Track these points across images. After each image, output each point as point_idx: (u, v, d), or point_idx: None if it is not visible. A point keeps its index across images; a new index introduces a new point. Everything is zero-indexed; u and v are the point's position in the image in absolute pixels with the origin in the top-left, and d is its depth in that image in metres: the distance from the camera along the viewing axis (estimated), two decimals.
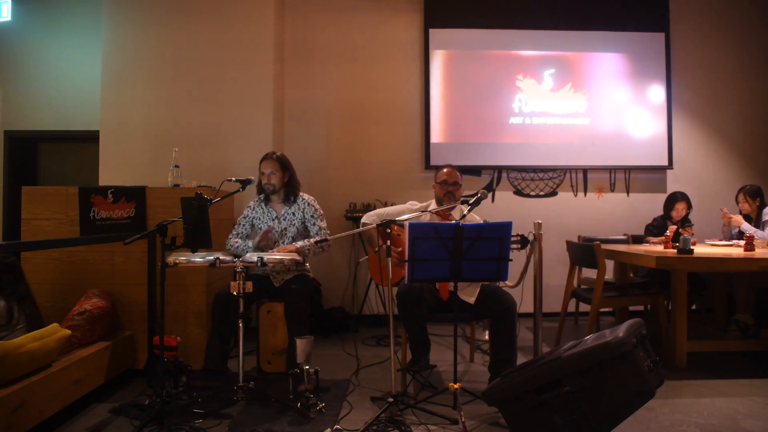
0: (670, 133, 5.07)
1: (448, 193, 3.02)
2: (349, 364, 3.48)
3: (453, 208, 3.05)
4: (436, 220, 3.02)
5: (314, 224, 3.22)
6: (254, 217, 3.28)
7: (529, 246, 2.83)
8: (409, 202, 3.20)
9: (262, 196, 3.27)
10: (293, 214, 3.23)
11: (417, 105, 5.00)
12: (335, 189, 4.90)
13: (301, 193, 3.28)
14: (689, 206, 4.27)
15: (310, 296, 3.19)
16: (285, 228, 3.22)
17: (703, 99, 5.20)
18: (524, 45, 5.02)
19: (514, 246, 2.63)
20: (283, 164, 3.21)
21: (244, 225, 3.28)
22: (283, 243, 3.20)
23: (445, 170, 3.08)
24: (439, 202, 3.09)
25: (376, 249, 2.54)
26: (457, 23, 4.98)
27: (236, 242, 3.21)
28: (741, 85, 5.22)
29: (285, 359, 3.11)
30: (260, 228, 3.25)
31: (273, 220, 3.23)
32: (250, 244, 3.15)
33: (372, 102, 4.98)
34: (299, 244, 3.11)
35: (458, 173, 3.09)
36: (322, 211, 3.29)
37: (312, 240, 3.12)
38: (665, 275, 3.71)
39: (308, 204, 3.24)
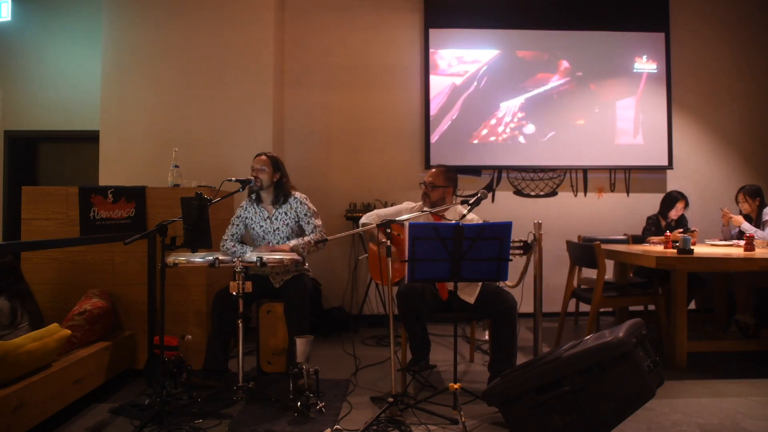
0: (670, 133, 5.07)
1: (423, 194, 3.07)
2: (349, 364, 3.48)
3: (447, 209, 3.04)
4: (431, 220, 3.02)
5: (309, 223, 3.21)
6: (246, 217, 3.26)
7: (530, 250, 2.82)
8: (405, 203, 3.20)
9: (253, 197, 3.27)
10: (285, 213, 3.22)
11: (417, 105, 5.00)
12: (335, 189, 4.90)
13: (293, 192, 3.27)
14: (686, 205, 4.27)
15: (310, 296, 3.19)
16: (278, 227, 3.21)
17: (703, 99, 5.20)
18: (524, 45, 5.02)
19: (516, 251, 2.61)
20: (275, 164, 3.20)
21: (237, 225, 3.27)
22: (277, 243, 3.19)
23: (432, 169, 3.09)
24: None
25: (380, 243, 2.54)
26: (457, 23, 4.98)
27: (233, 246, 3.21)
28: (741, 85, 5.22)
29: (285, 359, 3.12)
30: (253, 228, 3.24)
31: (265, 220, 3.22)
32: (248, 251, 3.14)
33: (372, 102, 4.98)
34: (293, 242, 3.10)
35: (443, 174, 3.04)
36: (315, 209, 3.27)
37: (306, 239, 3.12)
38: (665, 275, 3.71)
39: (300, 202, 3.23)
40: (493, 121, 4.97)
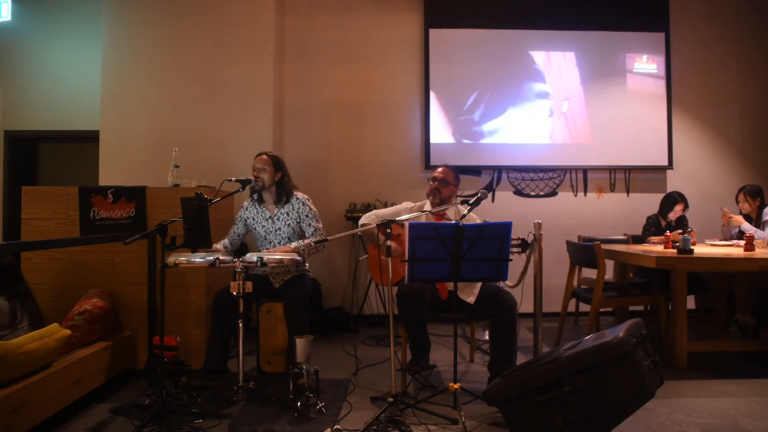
0: (670, 133, 5.07)
1: (434, 189, 3.06)
2: (349, 364, 3.48)
3: (447, 208, 3.05)
4: (431, 220, 3.02)
5: (309, 225, 3.21)
6: (248, 217, 3.27)
7: (529, 248, 2.84)
8: (404, 203, 3.21)
9: (255, 196, 3.26)
10: (287, 213, 3.22)
11: (417, 104, 5.00)
12: (335, 189, 4.90)
13: (295, 192, 3.27)
14: (686, 207, 4.27)
15: (310, 296, 3.19)
16: (279, 228, 3.21)
17: (703, 99, 5.20)
18: (524, 45, 5.01)
19: (514, 249, 2.63)
20: (276, 163, 3.20)
21: (237, 224, 3.29)
22: (279, 243, 3.20)
23: (439, 168, 3.12)
24: (428, 197, 3.12)
25: (380, 244, 2.55)
26: (457, 23, 4.98)
27: (224, 246, 3.22)
28: (741, 85, 5.22)
29: (285, 359, 3.11)
30: (254, 228, 3.25)
31: (267, 220, 3.22)
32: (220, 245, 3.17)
33: (372, 102, 4.98)
34: (294, 245, 3.09)
35: (452, 172, 3.09)
36: (316, 211, 3.27)
37: (307, 241, 3.12)
38: (665, 275, 3.70)
39: (303, 203, 3.23)
40: (493, 121, 4.98)
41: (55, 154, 5.34)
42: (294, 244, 3.09)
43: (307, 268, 3.28)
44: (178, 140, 4.13)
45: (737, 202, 4.24)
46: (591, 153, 5.02)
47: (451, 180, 3.07)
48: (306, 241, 3.12)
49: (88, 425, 2.47)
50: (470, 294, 2.89)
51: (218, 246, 3.17)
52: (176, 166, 3.42)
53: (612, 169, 5.11)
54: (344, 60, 4.96)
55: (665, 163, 5.07)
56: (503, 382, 2.23)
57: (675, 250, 3.40)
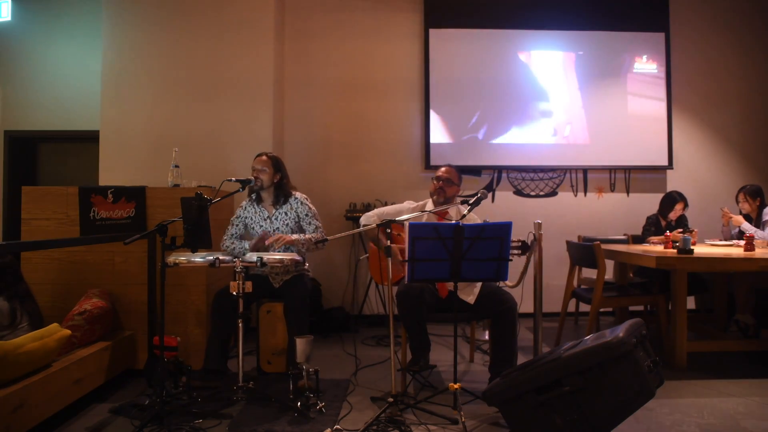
0: (670, 133, 5.07)
1: (438, 188, 3.06)
2: (349, 364, 3.48)
3: (449, 207, 3.05)
4: (433, 219, 3.03)
5: (310, 223, 3.21)
6: (246, 217, 3.26)
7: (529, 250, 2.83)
8: (406, 202, 3.21)
9: (254, 196, 3.26)
10: (285, 213, 3.21)
11: (417, 105, 5.00)
12: (335, 189, 4.90)
13: (294, 192, 3.26)
14: (686, 206, 4.27)
15: (310, 296, 3.19)
16: (277, 228, 3.21)
17: (703, 99, 5.20)
18: (524, 45, 5.01)
19: (514, 251, 2.62)
20: (275, 164, 3.19)
21: (237, 225, 3.26)
22: None
23: (442, 168, 3.12)
24: (431, 197, 3.12)
25: (383, 246, 2.55)
26: (457, 23, 4.98)
27: (232, 244, 3.19)
28: (741, 85, 5.22)
29: (285, 359, 3.11)
30: (252, 228, 3.24)
31: (265, 220, 3.22)
32: (246, 245, 3.13)
33: (372, 102, 4.98)
34: (294, 236, 3.08)
35: (455, 172, 3.11)
36: (315, 210, 3.28)
37: (307, 236, 3.11)
38: (665, 275, 3.70)
39: (301, 203, 3.23)
40: (493, 121, 4.97)
41: (55, 154, 5.34)
42: (294, 236, 3.08)
43: (306, 268, 3.28)
44: (178, 140, 4.13)
45: (737, 202, 4.24)
46: (591, 153, 5.02)
47: (455, 179, 3.09)
48: (307, 236, 3.12)
49: (88, 425, 2.47)
50: (470, 294, 2.89)
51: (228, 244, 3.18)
52: (176, 166, 3.42)
53: (612, 169, 5.11)
54: (344, 60, 4.96)
55: (665, 163, 5.07)
56: (503, 382, 2.23)
57: (675, 250, 3.40)
